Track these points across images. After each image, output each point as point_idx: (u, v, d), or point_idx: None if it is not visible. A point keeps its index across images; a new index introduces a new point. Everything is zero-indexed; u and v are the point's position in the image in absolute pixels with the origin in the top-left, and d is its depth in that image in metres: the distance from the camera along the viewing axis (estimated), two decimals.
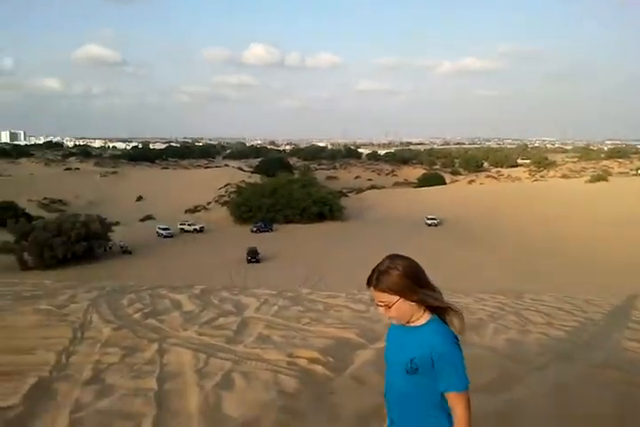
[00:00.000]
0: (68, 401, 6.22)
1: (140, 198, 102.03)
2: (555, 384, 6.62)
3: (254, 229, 56.64)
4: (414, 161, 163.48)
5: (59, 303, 13.45)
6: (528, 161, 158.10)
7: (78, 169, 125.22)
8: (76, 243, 44.92)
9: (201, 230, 61.05)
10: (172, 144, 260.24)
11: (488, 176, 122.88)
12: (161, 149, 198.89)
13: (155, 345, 8.82)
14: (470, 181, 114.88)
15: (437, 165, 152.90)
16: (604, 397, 6.08)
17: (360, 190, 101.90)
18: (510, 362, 7.64)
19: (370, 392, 6.31)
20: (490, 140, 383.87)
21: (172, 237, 58.01)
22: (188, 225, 61.72)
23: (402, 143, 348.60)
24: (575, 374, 7.07)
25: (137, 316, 11.72)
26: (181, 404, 6.03)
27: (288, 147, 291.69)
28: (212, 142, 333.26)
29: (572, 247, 49.20)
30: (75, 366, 7.86)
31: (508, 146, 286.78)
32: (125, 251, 49.69)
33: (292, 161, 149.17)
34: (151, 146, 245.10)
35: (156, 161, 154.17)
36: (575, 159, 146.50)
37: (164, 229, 59.19)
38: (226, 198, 78.67)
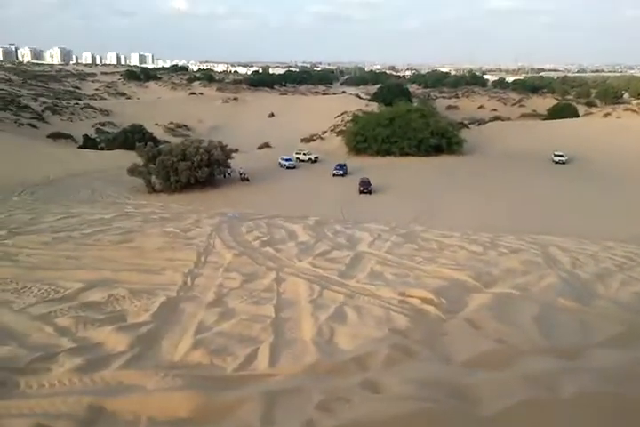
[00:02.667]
0: (193, 322, 6.71)
1: (272, 115, 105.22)
2: None
3: (335, 172, 54.54)
4: (545, 90, 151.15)
5: (184, 227, 14.38)
6: None
7: (202, 94, 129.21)
8: (198, 168, 46.80)
9: (316, 160, 61.47)
10: (291, 69, 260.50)
11: (627, 109, 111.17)
12: (280, 75, 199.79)
13: (272, 273, 9.22)
14: (606, 114, 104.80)
15: (571, 94, 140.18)
16: None
17: (483, 122, 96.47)
18: (637, 317, 7.11)
19: (484, 337, 6.16)
20: (633, 68, 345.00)
21: (294, 168, 57.42)
22: (304, 155, 62.26)
23: (533, 70, 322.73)
24: None
25: (256, 243, 12.26)
26: (296, 333, 6.28)
27: (408, 72, 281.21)
28: (330, 68, 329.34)
29: None
30: (199, 287, 8.44)
31: None
32: (244, 179, 51.32)
33: (412, 88, 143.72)
34: (271, 71, 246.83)
35: (275, 86, 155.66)
36: None
37: (286, 160, 58.30)
38: (342, 127, 78.21)
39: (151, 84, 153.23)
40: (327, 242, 12.35)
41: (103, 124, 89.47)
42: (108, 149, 65.98)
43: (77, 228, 13.18)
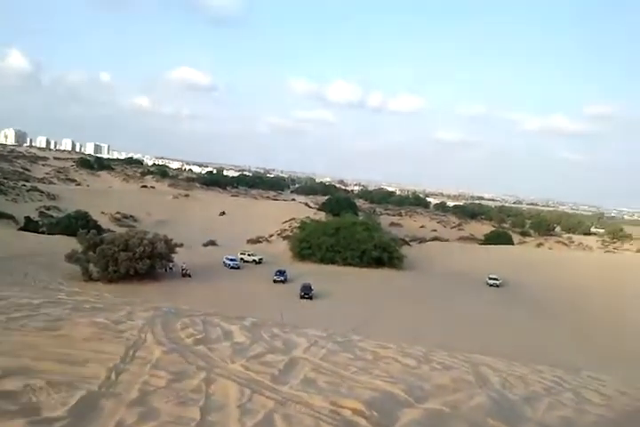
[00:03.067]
0: (110, 421, 6.31)
1: (222, 213, 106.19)
2: None
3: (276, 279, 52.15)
4: (483, 216, 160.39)
5: (115, 318, 13.85)
6: (602, 230, 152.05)
7: (153, 187, 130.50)
8: (140, 260, 46.18)
9: (260, 262, 61.67)
10: (244, 173, 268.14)
11: (558, 241, 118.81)
12: (234, 177, 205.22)
13: (202, 373, 8.89)
14: (539, 244, 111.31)
15: (507, 223, 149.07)
16: None
17: (423, 240, 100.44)
18: None
19: None
20: (564, 204, 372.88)
21: (238, 268, 56.91)
22: (248, 255, 62.52)
23: (472, 197, 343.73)
24: None
25: (189, 341, 11.89)
26: None
27: (356, 187, 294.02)
28: (282, 175, 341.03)
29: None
30: (123, 384, 8.00)
31: (583, 212, 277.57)
32: (185, 274, 50.66)
33: (359, 203, 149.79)
34: (225, 172, 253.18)
35: (227, 188, 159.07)
36: None
37: (231, 260, 58.03)
38: (288, 233, 79.53)
39: (103, 173, 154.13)
40: (263, 344, 12.14)
41: (48, 208, 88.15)
42: (50, 234, 64.57)
43: (4, 311, 12.49)
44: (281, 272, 52.91)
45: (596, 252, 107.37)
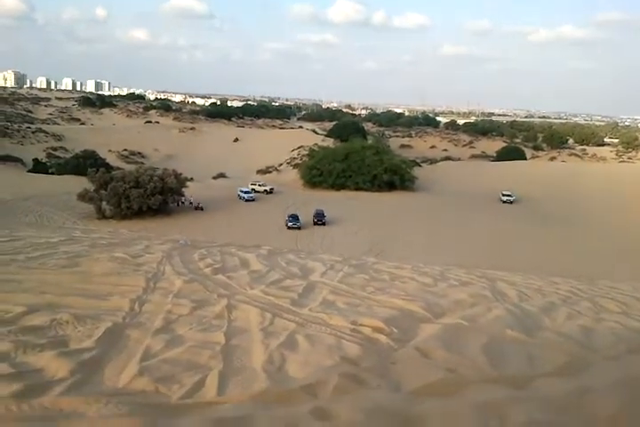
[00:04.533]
0: (138, 348, 6.47)
1: (236, 140, 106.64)
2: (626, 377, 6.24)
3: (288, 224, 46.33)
4: (494, 133, 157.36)
5: (134, 253, 14.06)
6: (616, 140, 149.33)
7: (158, 122, 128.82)
8: (151, 196, 46.40)
9: (271, 192, 61.81)
10: (249, 102, 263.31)
11: (571, 154, 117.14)
12: (238, 107, 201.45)
13: (223, 300, 9.06)
14: (552, 158, 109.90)
15: (519, 138, 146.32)
16: None
17: (434, 161, 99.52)
18: (581, 349, 7.30)
19: (434, 366, 6.19)
20: (577, 116, 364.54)
21: (253, 200, 55.95)
22: (259, 186, 62.57)
23: (483, 113, 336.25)
24: None
25: (207, 270, 12.09)
26: (246, 360, 6.14)
27: (364, 111, 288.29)
28: (288, 103, 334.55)
29: None
30: (147, 314, 8.18)
31: (597, 123, 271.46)
32: (198, 207, 51.03)
33: (367, 126, 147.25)
34: (229, 103, 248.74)
35: (233, 119, 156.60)
36: None
37: (245, 193, 57.22)
38: (298, 161, 79.06)
39: (106, 110, 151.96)
40: (280, 271, 12.30)
41: (55, 149, 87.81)
42: (59, 174, 64.78)
43: (22, 251, 12.69)
44: (294, 217, 46.27)
45: (611, 162, 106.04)
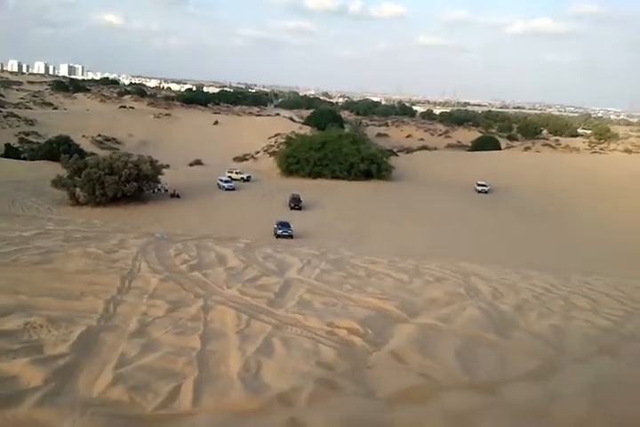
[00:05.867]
0: (113, 354, 6.40)
1: (216, 122, 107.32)
2: (595, 380, 6.42)
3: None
4: (470, 123, 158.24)
5: (108, 248, 13.84)
6: (589, 131, 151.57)
7: (133, 108, 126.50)
8: (126, 183, 45.73)
9: (248, 180, 61.42)
10: (225, 89, 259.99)
11: (545, 144, 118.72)
12: (214, 93, 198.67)
13: (199, 301, 9.02)
14: (526, 148, 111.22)
15: (494, 128, 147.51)
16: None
17: (411, 150, 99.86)
18: (554, 351, 7.47)
19: (408, 371, 6.29)
20: (551, 107, 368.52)
21: (233, 189, 54.73)
22: (236, 173, 62.10)
23: (459, 103, 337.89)
24: (617, 370, 6.87)
25: (183, 267, 12.00)
26: (222, 368, 6.14)
27: (341, 99, 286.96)
28: (265, 90, 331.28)
29: (623, 229, 47.61)
30: (122, 316, 8.09)
31: (570, 114, 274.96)
32: (174, 195, 50.53)
33: (344, 115, 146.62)
34: (205, 89, 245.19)
35: (209, 105, 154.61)
36: None
37: (225, 182, 56.02)
38: (275, 149, 78.61)
39: (80, 95, 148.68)
40: (257, 267, 12.28)
41: (27, 134, 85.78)
42: (32, 160, 63.45)
43: None
44: (284, 224, 38.92)
45: (583, 153, 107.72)
